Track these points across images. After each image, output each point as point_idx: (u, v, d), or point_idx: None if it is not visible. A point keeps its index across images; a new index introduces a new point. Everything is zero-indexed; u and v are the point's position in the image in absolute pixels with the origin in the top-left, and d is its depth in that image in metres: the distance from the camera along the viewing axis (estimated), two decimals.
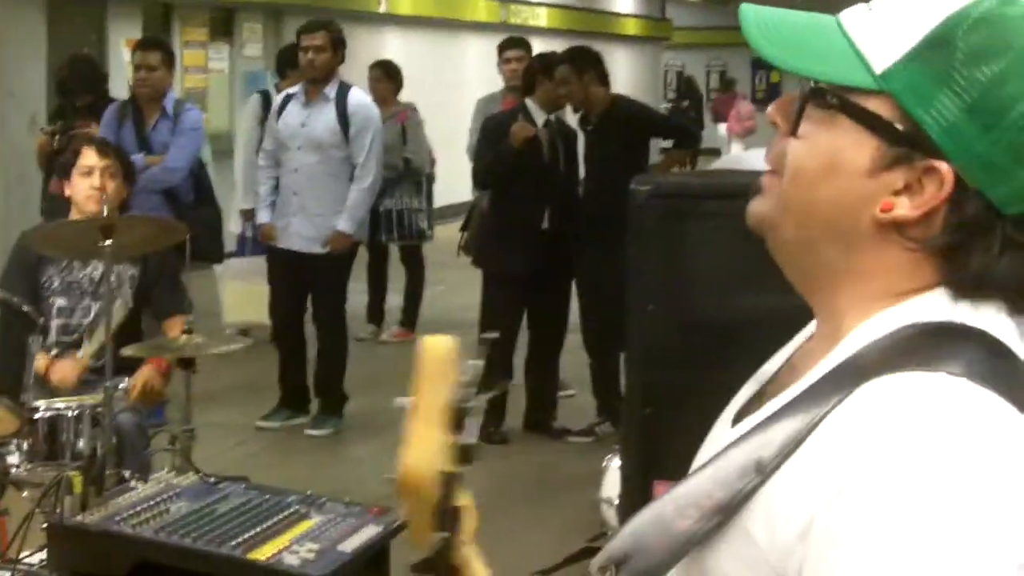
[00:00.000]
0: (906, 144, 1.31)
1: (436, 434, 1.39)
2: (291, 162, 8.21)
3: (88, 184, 5.68)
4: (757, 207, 1.41)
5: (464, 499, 1.40)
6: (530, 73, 8.34)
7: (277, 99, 8.69)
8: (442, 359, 1.42)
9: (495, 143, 8.07)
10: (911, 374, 1.25)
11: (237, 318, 9.66)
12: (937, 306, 1.33)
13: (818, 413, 1.27)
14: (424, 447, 1.38)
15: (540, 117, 8.10)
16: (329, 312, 8.35)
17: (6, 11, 12.53)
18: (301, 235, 8.17)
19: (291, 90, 8.48)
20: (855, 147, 1.33)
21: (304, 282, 8.28)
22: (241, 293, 9.39)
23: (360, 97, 8.33)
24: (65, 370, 5.52)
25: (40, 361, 5.26)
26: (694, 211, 4.22)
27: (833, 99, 1.33)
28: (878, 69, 1.32)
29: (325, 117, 8.16)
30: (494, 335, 1.65)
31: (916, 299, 1.34)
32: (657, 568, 1.33)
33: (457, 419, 1.40)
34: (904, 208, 1.32)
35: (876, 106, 1.32)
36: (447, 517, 1.38)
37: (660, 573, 1.33)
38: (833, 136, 1.34)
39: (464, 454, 1.40)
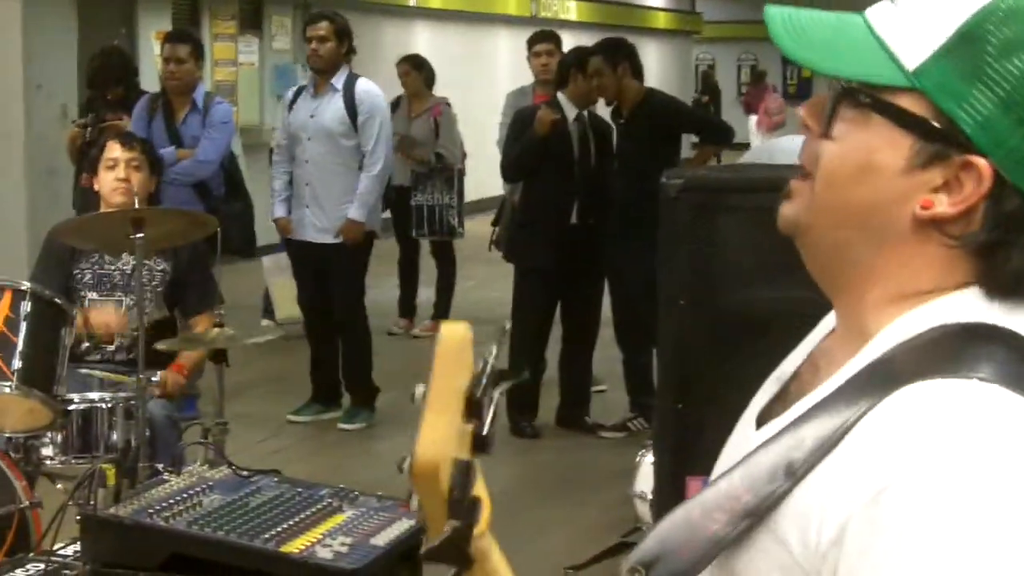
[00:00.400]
0: (941, 141, 1.31)
1: (450, 421, 1.38)
2: (303, 154, 8.25)
3: (113, 177, 5.71)
4: (788, 211, 1.40)
5: (479, 489, 1.38)
6: (563, 67, 8.33)
7: (289, 93, 8.74)
8: (458, 346, 1.41)
9: (528, 137, 8.04)
10: (943, 381, 1.24)
11: (287, 314, 9.69)
12: (970, 305, 1.32)
13: (850, 417, 1.26)
14: (438, 434, 1.37)
15: (572, 111, 8.08)
16: (347, 303, 8.33)
17: (37, 3, 12.59)
18: (315, 226, 8.21)
19: (302, 83, 8.53)
20: (890, 146, 1.32)
21: (323, 273, 8.31)
22: (288, 289, 9.40)
23: (367, 86, 8.33)
24: (108, 315, 5.53)
25: (79, 317, 5.28)
26: (725, 205, 4.21)
27: (866, 98, 1.32)
28: (909, 66, 1.31)
29: (333, 107, 8.19)
30: (508, 325, 1.64)
31: (948, 297, 1.33)
32: (686, 571, 1.33)
33: (472, 407, 1.39)
34: (943, 205, 1.31)
35: (909, 103, 1.31)
36: (461, 506, 1.37)
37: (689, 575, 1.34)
38: (867, 136, 1.33)
39: (480, 443, 1.38)
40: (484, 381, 1.39)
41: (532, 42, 10.03)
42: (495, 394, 1.41)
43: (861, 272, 1.37)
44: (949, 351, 1.28)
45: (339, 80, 8.22)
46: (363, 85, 8.29)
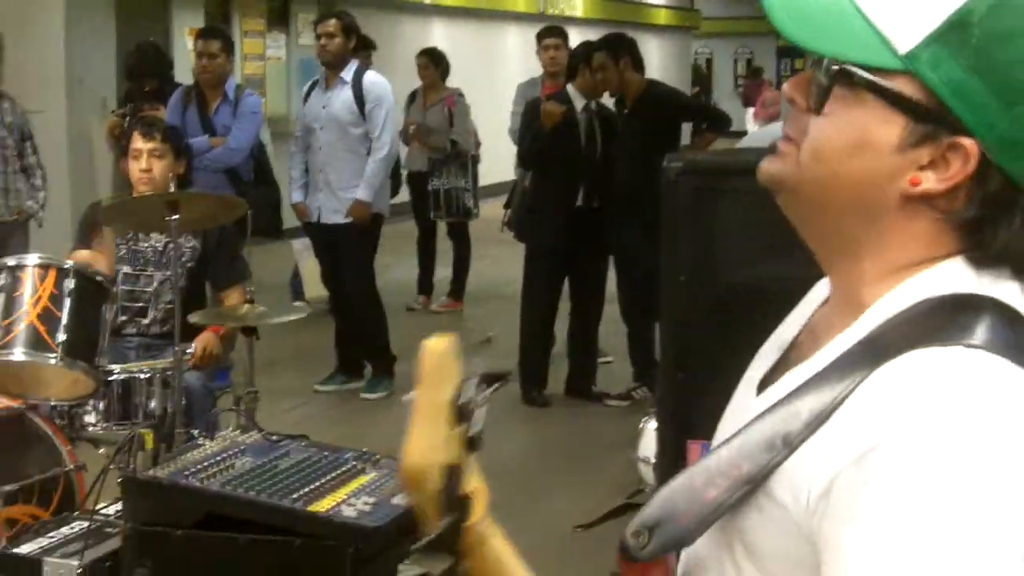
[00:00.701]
0: (932, 122, 1.30)
1: (437, 429, 1.40)
2: (316, 142, 8.32)
3: (137, 167, 5.73)
4: (771, 166, 1.39)
5: (474, 483, 1.40)
6: (573, 61, 8.38)
7: (304, 88, 8.81)
8: (442, 358, 1.43)
9: (535, 127, 8.08)
10: (930, 350, 1.24)
11: (316, 293, 9.71)
12: (958, 276, 1.32)
13: (843, 389, 1.26)
14: (424, 442, 1.40)
15: (580, 102, 8.12)
16: (357, 279, 8.39)
17: (78, 4, 12.61)
18: (328, 208, 8.29)
19: (316, 78, 8.58)
20: (883, 125, 1.31)
21: (337, 252, 8.39)
22: (316, 269, 9.44)
23: (373, 77, 8.42)
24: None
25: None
26: (723, 187, 4.19)
27: (861, 80, 1.31)
28: (902, 50, 1.30)
29: (343, 97, 8.26)
30: (490, 336, 1.65)
31: (935, 268, 1.33)
32: (687, 534, 1.33)
33: (458, 414, 1.41)
34: (931, 182, 1.30)
35: (902, 85, 1.30)
36: (452, 505, 1.39)
37: (690, 539, 1.34)
38: (860, 114, 1.32)
39: (469, 444, 1.40)
40: (470, 388, 1.41)
41: (541, 36, 10.02)
42: (486, 394, 1.43)
43: (852, 243, 1.36)
44: (938, 321, 1.28)
45: (348, 73, 8.30)
46: (370, 77, 8.38)
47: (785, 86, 1.41)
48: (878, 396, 1.23)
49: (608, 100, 8.65)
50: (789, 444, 1.28)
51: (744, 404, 1.46)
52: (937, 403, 1.20)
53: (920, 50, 1.30)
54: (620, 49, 8.27)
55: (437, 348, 1.43)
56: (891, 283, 1.34)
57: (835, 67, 1.33)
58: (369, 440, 5.35)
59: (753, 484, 1.30)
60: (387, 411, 8.08)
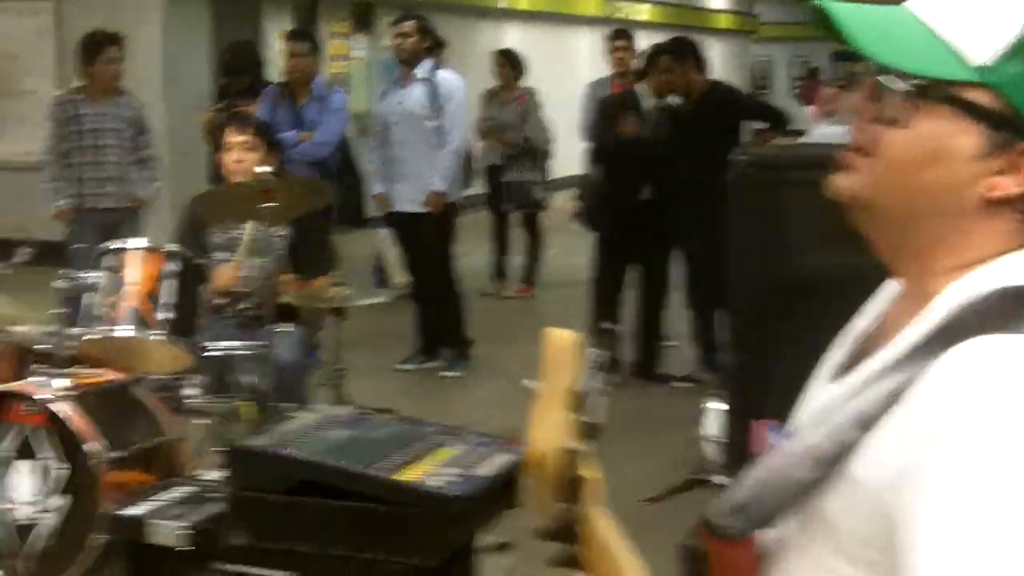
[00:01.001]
0: (1009, 129, 1.29)
1: (559, 415, 1.40)
2: (393, 136, 8.33)
3: (229, 159, 5.77)
4: (844, 183, 1.38)
5: (592, 471, 1.41)
6: (648, 62, 8.42)
7: (383, 86, 8.84)
8: (564, 348, 1.43)
9: (606, 122, 8.13)
10: (997, 336, 1.23)
11: (399, 279, 9.76)
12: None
13: (915, 372, 1.26)
14: (548, 427, 1.40)
15: (648, 101, 8.16)
16: (436, 265, 8.42)
17: (176, 10, 12.74)
18: (405, 198, 8.30)
19: (394, 75, 8.63)
20: (961, 135, 1.30)
21: (416, 240, 8.42)
22: (400, 257, 9.49)
23: (445, 74, 8.44)
24: (222, 275, 5.57)
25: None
26: (786, 180, 4.18)
27: (940, 94, 1.30)
28: (976, 62, 1.29)
29: (417, 94, 8.27)
30: (613, 326, 1.66)
31: (1006, 259, 1.32)
32: (772, 513, 1.35)
33: (579, 401, 1.40)
34: (1009, 186, 1.30)
35: (978, 97, 1.30)
36: (569, 489, 1.39)
37: (775, 518, 1.35)
38: (936, 125, 1.31)
39: (589, 431, 1.40)
40: (590, 378, 1.41)
41: (610, 39, 10.02)
42: (601, 387, 1.43)
43: (929, 246, 1.35)
44: (1005, 311, 1.27)
45: (422, 70, 8.31)
46: (443, 74, 8.41)
47: (854, 97, 1.40)
48: (946, 378, 1.23)
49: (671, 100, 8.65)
50: (866, 425, 1.28)
51: (820, 391, 1.46)
52: (1000, 386, 1.19)
53: (995, 62, 1.29)
54: (684, 52, 8.29)
55: (560, 339, 1.44)
56: (963, 276, 1.33)
57: (912, 81, 1.31)
58: (446, 416, 5.39)
59: (832, 464, 1.30)
60: (462, 389, 8.12)
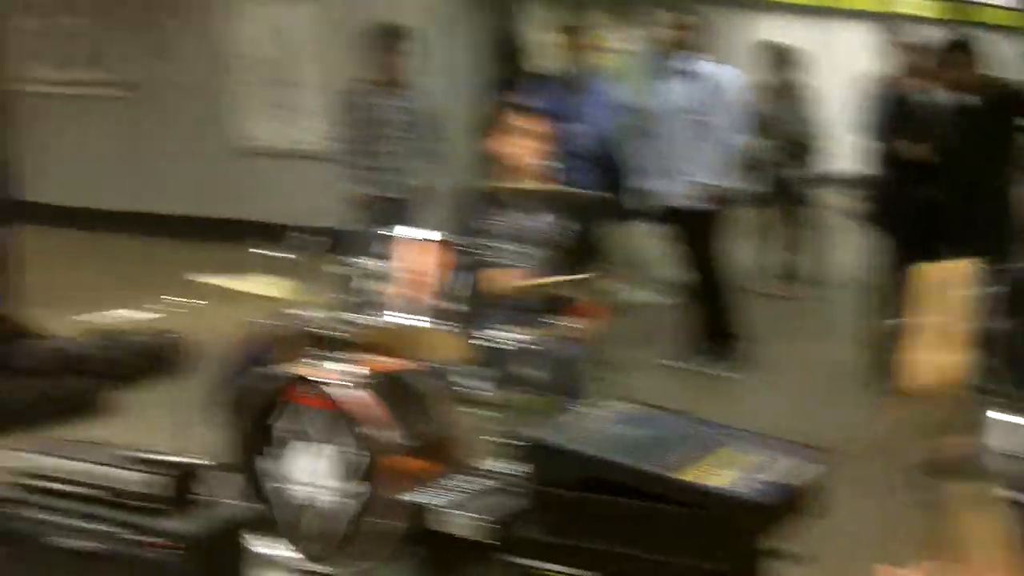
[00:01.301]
0: None
1: (949, 353, 1.29)
2: (665, 130, 8.25)
3: (510, 143, 5.77)
4: None
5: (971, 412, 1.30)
6: (932, 60, 8.15)
7: (654, 81, 8.78)
8: (942, 285, 1.32)
9: (897, 121, 8.07)
10: None
11: (668, 275, 9.68)
12: None
13: None
14: (939, 364, 1.30)
15: (941, 98, 7.95)
16: (706, 261, 8.30)
17: (444, 8, 12.93)
18: (676, 193, 8.18)
19: (669, 68, 8.53)
20: None
21: (688, 235, 8.30)
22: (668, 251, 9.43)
23: (718, 68, 8.31)
24: (503, 278, 5.53)
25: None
26: None
27: None
28: None
29: (690, 88, 8.18)
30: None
31: None
32: None
33: (964, 338, 1.28)
34: None
35: None
36: (964, 427, 1.27)
37: None
38: None
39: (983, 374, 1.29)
40: (984, 317, 1.29)
41: (893, 36, 9.71)
42: (1001, 328, 1.31)
43: None
44: None
45: (693, 64, 8.22)
46: (715, 67, 8.29)
47: None
48: None
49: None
50: None
51: None
52: None
53: None
54: (970, 50, 7.99)
55: (938, 275, 1.32)
56: None
57: None
58: (711, 415, 5.24)
59: None
60: (728, 388, 7.97)
